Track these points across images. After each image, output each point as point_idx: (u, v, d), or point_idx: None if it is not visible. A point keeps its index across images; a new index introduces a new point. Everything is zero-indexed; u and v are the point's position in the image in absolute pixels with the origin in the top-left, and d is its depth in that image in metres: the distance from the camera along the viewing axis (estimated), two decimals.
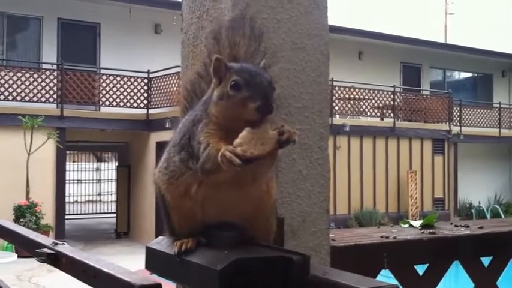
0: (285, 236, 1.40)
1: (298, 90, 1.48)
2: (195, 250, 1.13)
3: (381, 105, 18.93)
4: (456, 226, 1.89)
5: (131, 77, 15.61)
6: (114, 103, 15.37)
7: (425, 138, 19.09)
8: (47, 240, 1.71)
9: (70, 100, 14.84)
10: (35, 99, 14.40)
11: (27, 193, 12.97)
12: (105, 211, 22.08)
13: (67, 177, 16.45)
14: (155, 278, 1.16)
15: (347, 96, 18.16)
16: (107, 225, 18.86)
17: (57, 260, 1.53)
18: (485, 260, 1.80)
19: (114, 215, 17.73)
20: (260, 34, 1.25)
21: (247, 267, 1.02)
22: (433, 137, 19.29)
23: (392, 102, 18.93)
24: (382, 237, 1.64)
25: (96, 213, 22.26)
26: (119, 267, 1.29)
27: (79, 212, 22.11)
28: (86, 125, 14.85)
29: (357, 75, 19.71)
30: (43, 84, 14.56)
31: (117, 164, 19.74)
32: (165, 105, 15.17)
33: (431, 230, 1.76)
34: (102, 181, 24.59)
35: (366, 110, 18.68)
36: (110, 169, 23.67)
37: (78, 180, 23.56)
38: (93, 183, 24.52)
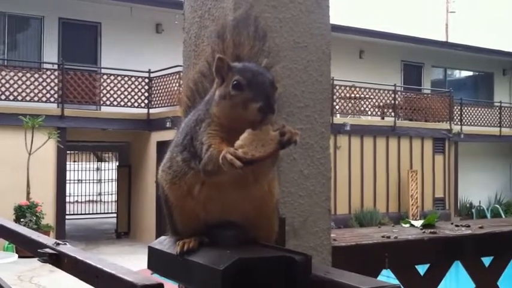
0: (286, 235, 1.39)
1: (300, 89, 1.48)
2: (197, 250, 1.12)
3: (381, 104, 18.93)
4: (457, 226, 1.89)
5: (132, 76, 15.61)
6: (115, 103, 15.37)
7: (426, 138, 19.09)
8: (48, 240, 1.71)
9: (71, 100, 14.85)
10: (35, 99, 14.41)
11: (28, 193, 12.97)
12: (106, 211, 22.10)
13: (68, 177, 16.46)
14: (157, 278, 1.16)
15: (348, 95, 18.16)
16: (107, 225, 18.87)
17: (59, 260, 1.53)
18: (486, 260, 1.80)
19: (115, 215, 17.74)
20: (264, 34, 1.25)
21: (250, 267, 1.02)
22: (433, 136, 19.28)
23: (393, 101, 18.92)
24: (383, 237, 1.64)
25: (96, 213, 22.27)
26: (121, 267, 1.29)
27: (80, 212, 22.12)
28: (86, 124, 14.85)
29: (357, 74, 19.71)
30: (44, 84, 14.57)
31: (117, 163, 19.75)
32: (166, 104, 15.17)
33: (432, 230, 1.76)
34: (102, 181, 24.60)
35: (367, 109, 18.68)
36: (110, 169, 23.68)
37: (78, 180, 23.56)
38: (94, 183, 24.52)
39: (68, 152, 16.14)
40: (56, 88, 14.73)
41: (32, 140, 12.96)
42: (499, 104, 22.44)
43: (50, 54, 16.16)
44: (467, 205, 21.04)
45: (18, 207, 12.77)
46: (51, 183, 14.07)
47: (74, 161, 23.66)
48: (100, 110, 15.83)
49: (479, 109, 21.93)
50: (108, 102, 15.36)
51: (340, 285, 0.98)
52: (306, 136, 1.46)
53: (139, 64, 16.05)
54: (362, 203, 17.61)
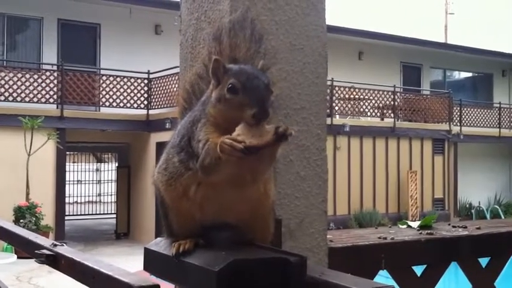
0: (282, 237, 1.40)
1: (296, 91, 1.48)
2: (192, 251, 1.13)
3: (381, 105, 18.94)
4: (454, 227, 1.89)
5: (131, 77, 15.62)
6: (114, 104, 15.38)
7: (425, 138, 19.10)
8: (46, 241, 1.71)
9: (70, 101, 14.85)
10: (35, 99, 14.41)
11: (27, 194, 12.97)
12: (105, 212, 22.09)
13: (67, 178, 16.46)
14: (154, 279, 1.17)
15: (347, 96, 18.17)
16: (106, 226, 18.86)
17: (56, 261, 1.54)
18: (483, 261, 1.80)
19: (114, 215, 17.74)
20: (260, 36, 1.26)
21: (245, 269, 1.02)
22: (433, 137, 19.29)
23: (392, 102, 18.94)
24: (379, 238, 1.65)
25: (96, 214, 22.26)
26: (118, 268, 1.29)
27: (79, 213, 22.11)
28: (86, 125, 14.85)
29: (357, 75, 19.72)
30: (43, 84, 14.57)
31: (117, 164, 19.75)
32: (165, 105, 15.18)
33: (429, 231, 1.76)
34: (102, 182, 24.60)
35: (366, 110, 18.68)
36: (109, 170, 23.67)
37: (78, 181, 23.56)
38: (93, 184, 24.52)
39: (67, 152, 16.14)
40: (55, 89, 14.74)
41: (31, 141, 12.97)
42: (498, 105, 22.44)
43: (49, 55, 16.16)
44: (467, 206, 21.05)
45: (17, 208, 12.77)
46: (50, 184, 14.07)
47: (74, 162, 23.67)
48: (99, 111, 15.83)
49: (479, 110, 21.94)
50: (107, 103, 15.36)
51: (335, 287, 0.99)
52: (302, 138, 1.47)
53: (138, 65, 16.06)
54: (361, 204, 17.62)
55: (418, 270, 1.68)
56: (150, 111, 15.63)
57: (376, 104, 18.87)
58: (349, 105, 18.21)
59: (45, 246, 1.61)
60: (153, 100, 15.76)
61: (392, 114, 18.80)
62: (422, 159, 19.04)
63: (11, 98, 14.16)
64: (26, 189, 12.97)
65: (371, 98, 18.65)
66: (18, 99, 14.24)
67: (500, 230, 1.88)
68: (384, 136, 18.17)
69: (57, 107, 14.64)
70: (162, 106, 15.34)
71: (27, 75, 14.56)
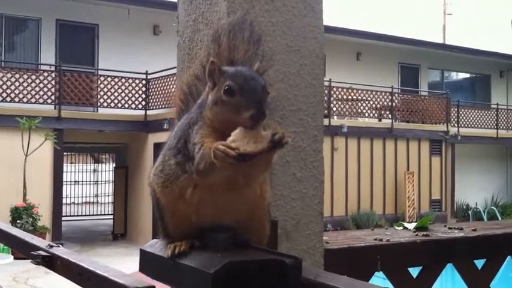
0: (278, 238, 1.40)
1: (293, 93, 1.48)
2: (188, 253, 1.13)
3: (378, 106, 18.96)
4: (450, 229, 1.90)
5: (129, 78, 15.61)
6: (112, 104, 15.37)
7: (422, 139, 19.12)
8: (42, 242, 1.71)
9: (68, 101, 14.84)
10: (32, 100, 14.40)
11: (24, 194, 12.95)
12: (103, 213, 22.07)
13: (64, 179, 16.44)
14: (150, 281, 1.17)
15: (345, 97, 18.18)
16: (104, 227, 18.84)
17: (52, 263, 1.54)
18: (479, 263, 1.81)
19: (112, 216, 17.72)
20: (259, 38, 1.26)
21: (240, 270, 1.02)
22: (430, 138, 19.31)
23: (390, 103, 18.96)
24: (375, 239, 1.65)
25: (93, 215, 22.24)
26: (113, 269, 1.29)
27: (76, 214, 22.08)
28: (83, 126, 14.84)
29: (355, 76, 19.73)
30: (41, 85, 14.56)
31: (114, 165, 19.73)
32: (163, 106, 15.17)
33: (424, 233, 1.76)
34: (99, 182, 24.56)
35: (364, 111, 18.70)
36: (107, 170, 23.64)
37: (75, 181, 23.52)
38: (91, 185, 24.49)
39: (64, 153, 16.12)
40: (53, 90, 14.72)
41: (28, 142, 12.95)
42: (495, 106, 22.48)
43: (47, 55, 16.15)
44: (464, 207, 21.07)
45: (14, 209, 12.75)
46: (47, 185, 14.05)
47: (71, 163, 23.64)
48: (97, 111, 15.81)
49: (476, 111, 21.98)
50: (105, 104, 15.35)
51: None
52: (298, 139, 1.47)
53: (136, 66, 16.05)
54: (359, 205, 17.63)
55: (414, 271, 1.68)
56: (148, 112, 15.62)
57: (374, 105, 18.89)
58: (347, 106, 18.23)
59: (41, 247, 1.60)
60: (151, 101, 15.75)
61: (390, 115, 18.82)
62: (419, 160, 19.06)
63: (8, 99, 14.14)
64: (23, 189, 12.95)
65: (369, 98, 18.66)
66: (16, 99, 14.22)
67: (496, 231, 1.89)
68: (381, 137, 18.19)
69: (55, 108, 14.63)
70: (160, 107, 15.34)
71: (25, 76, 14.54)
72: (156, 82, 15.65)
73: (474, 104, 23.03)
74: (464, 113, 21.51)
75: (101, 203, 23.39)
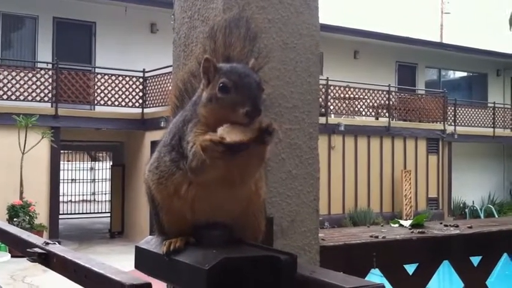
0: (274, 235, 1.40)
1: (289, 90, 1.48)
2: (183, 249, 1.13)
3: (376, 104, 18.97)
4: (446, 226, 1.90)
5: (126, 76, 15.59)
6: (109, 102, 15.35)
7: (419, 138, 19.15)
8: (38, 239, 1.71)
9: (65, 99, 14.82)
10: (29, 98, 14.37)
11: (21, 192, 12.94)
12: (100, 211, 22.06)
13: (61, 177, 16.43)
14: (146, 278, 1.17)
15: (342, 95, 18.19)
16: (101, 225, 18.84)
17: (48, 260, 1.53)
18: (475, 260, 1.81)
19: (108, 214, 17.72)
20: (255, 35, 1.25)
21: (235, 267, 1.02)
22: (427, 137, 19.34)
23: (387, 102, 18.97)
24: (371, 236, 1.65)
25: (90, 213, 22.23)
26: (110, 266, 1.29)
27: (73, 212, 22.07)
28: (80, 124, 14.83)
29: (352, 74, 19.75)
30: (38, 83, 14.54)
31: (111, 163, 19.71)
32: (160, 104, 15.16)
33: (420, 230, 1.77)
34: (96, 180, 24.55)
35: (361, 109, 18.72)
36: (104, 168, 23.63)
37: (72, 179, 23.50)
38: (88, 183, 24.47)
39: (61, 151, 16.10)
40: (50, 87, 14.70)
41: (25, 140, 12.93)
42: (492, 105, 22.52)
43: (44, 53, 16.12)
44: (461, 205, 21.12)
45: (11, 207, 12.74)
46: (44, 183, 14.04)
47: (68, 161, 23.62)
48: (94, 109, 15.80)
49: (473, 110, 22.02)
50: (102, 102, 15.33)
51: (324, 285, 0.99)
52: (294, 136, 1.47)
53: (133, 64, 16.04)
54: (356, 203, 17.65)
55: (410, 268, 1.68)
56: (145, 110, 15.61)
57: (371, 104, 18.91)
58: (344, 105, 18.24)
59: (37, 245, 1.60)
60: (148, 99, 15.74)
61: (387, 114, 18.84)
62: (416, 159, 19.09)
63: (5, 96, 14.12)
64: (20, 187, 12.93)
65: (366, 97, 18.68)
66: (13, 97, 14.20)
67: (492, 229, 1.89)
68: (378, 135, 18.21)
69: (52, 106, 14.61)
70: (157, 105, 15.33)
71: (22, 74, 14.52)
72: (153, 80, 15.64)
73: (471, 102, 23.08)
74: (461, 111, 21.54)
75: (98, 201, 23.38)
